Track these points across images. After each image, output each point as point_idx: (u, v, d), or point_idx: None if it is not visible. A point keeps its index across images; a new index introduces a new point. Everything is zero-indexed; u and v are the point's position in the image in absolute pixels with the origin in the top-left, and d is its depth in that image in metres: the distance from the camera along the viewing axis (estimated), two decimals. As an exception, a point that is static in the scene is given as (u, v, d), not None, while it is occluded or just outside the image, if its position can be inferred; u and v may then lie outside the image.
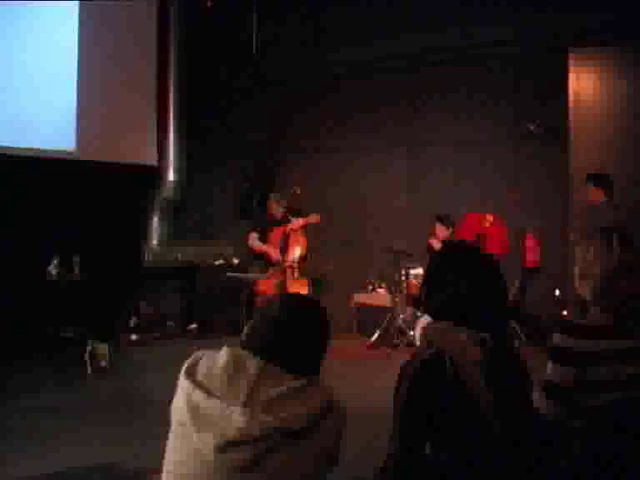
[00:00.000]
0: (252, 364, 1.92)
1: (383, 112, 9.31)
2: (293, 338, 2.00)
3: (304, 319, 2.05)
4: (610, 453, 2.24)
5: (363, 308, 8.84)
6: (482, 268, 2.20)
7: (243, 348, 2.00)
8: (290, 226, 7.88)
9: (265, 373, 1.91)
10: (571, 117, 8.13)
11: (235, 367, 1.92)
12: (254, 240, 7.99)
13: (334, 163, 9.55)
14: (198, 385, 1.90)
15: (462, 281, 2.15)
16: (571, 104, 8.14)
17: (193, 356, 2.03)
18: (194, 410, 1.87)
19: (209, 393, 1.88)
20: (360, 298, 8.96)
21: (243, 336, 2.06)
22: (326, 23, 9.27)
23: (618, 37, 7.80)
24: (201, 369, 1.96)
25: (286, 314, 2.03)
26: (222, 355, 1.96)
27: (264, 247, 7.93)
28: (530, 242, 8.03)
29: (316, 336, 2.07)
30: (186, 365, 2.00)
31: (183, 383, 1.94)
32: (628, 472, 2.22)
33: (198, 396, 1.88)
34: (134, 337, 8.46)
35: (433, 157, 9.17)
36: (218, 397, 1.87)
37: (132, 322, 8.71)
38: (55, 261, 7.93)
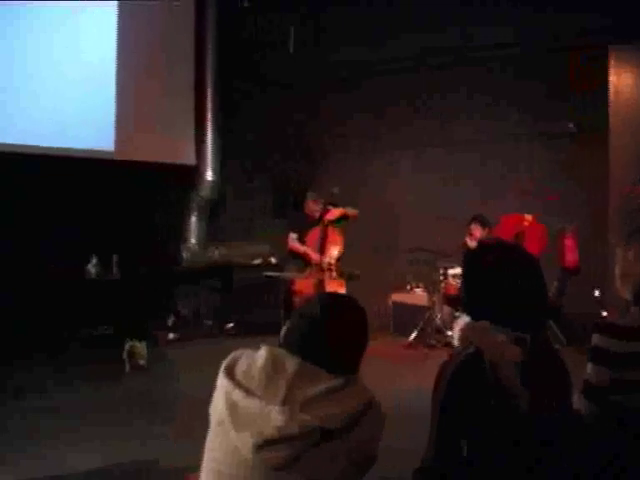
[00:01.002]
0: (291, 363, 1.93)
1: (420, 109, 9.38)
2: (332, 337, 1.99)
3: (343, 318, 2.05)
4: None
5: (400, 308, 8.79)
6: (522, 266, 2.16)
7: (281, 347, 2.00)
8: (327, 216, 7.85)
9: (303, 372, 1.91)
10: (611, 115, 8.04)
11: (274, 366, 1.92)
12: (293, 240, 7.98)
13: (366, 163, 9.61)
14: (237, 384, 1.91)
15: (501, 280, 2.11)
16: (611, 103, 8.04)
17: (232, 355, 2.03)
18: (233, 409, 1.87)
19: (248, 392, 1.88)
20: (397, 297, 8.92)
21: (282, 335, 2.06)
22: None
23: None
24: (240, 368, 1.96)
25: (325, 313, 2.02)
26: (261, 354, 1.97)
27: (303, 248, 7.90)
28: (569, 242, 7.92)
29: (355, 335, 2.06)
30: (225, 364, 2.00)
31: (222, 382, 1.95)
32: None
33: (237, 395, 1.88)
34: (172, 336, 8.48)
35: (465, 158, 9.16)
36: (257, 396, 1.87)
37: (170, 321, 8.76)
38: (94, 260, 8.02)
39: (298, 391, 1.87)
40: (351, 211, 8.00)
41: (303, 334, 2.00)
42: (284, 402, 1.84)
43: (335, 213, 7.90)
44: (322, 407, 1.84)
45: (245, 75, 9.61)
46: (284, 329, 2.07)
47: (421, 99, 9.31)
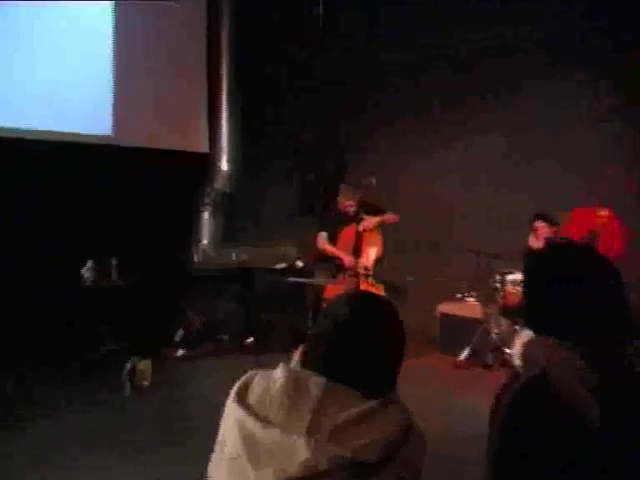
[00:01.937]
0: (314, 384, 1.90)
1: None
2: (362, 348, 1.96)
3: (376, 323, 2.02)
4: None
5: (449, 320, 8.71)
6: (597, 272, 2.08)
7: (303, 365, 1.98)
8: (362, 226, 7.88)
9: (330, 394, 1.88)
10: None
11: (295, 389, 1.89)
12: (324, 242, 8.03)
13: (407, 151, 9.73)
14: (252, 412, 1.88)
15: (571, 287, 2.05)
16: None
17: (244, 377, 2.02)
18: (249, 441, 1.84)
19: (266, 421, 1.85)
20: (445, 308, 8.84)
21: (302, 350, 2.04)
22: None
23: None
24: (254, 393, 1.94)
25: (356, 316, 2.00)
26: (278, 375, 1.95)
27: (336, 251, 7.93)
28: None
29: (390, 345, 2.03)
30: (236, 388, 1.99)
31: (234, 410, 1.93)
32: None
33: (253, 425, 1.85)
34: (181, 352, 8.45)
35: (526, 145, 9.21)
36: (277, 426, 1.84)
37: (179, 335, 8.72)
38: (89, 263, 7.96)
39: (325, 418, 1.83)
40: (390, 217, 8.05)
41: (328, 346, 1.97)
42: (309, 432, 1.81)
43: (371, 223, 7.93)
44: (354, 436, 1.81)
45: (269, 58, 9.76)
46: (306, 342, 2.05)
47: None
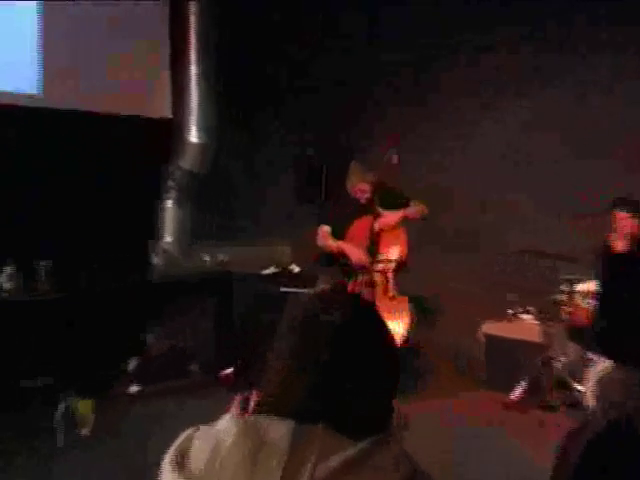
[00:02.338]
0: (280, 431, 1.81)
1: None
2: (353, 370, 1.90)
3: (369, 335, 1.97)
4: None
5: (498, 344, 8.47)
6: None
7: (259, 408, 1.94)
8: (379, 225, 7.85)
9: (304, 440, 1.79)
10: None
11: (254, 442, 1.81)
12: (326, 236, 7.99)
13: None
14: None
15: None
16: None
17: (179, 440, 1.92)
18: None
19: None
20: (492, 329, 8.58)
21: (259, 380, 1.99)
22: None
23: None
24: (198, 458, 1.85)
25: (345, 329, 1.94)
26: (226, 428, 1.87)
27: (340, 245, 7.90)
28: None
29: (387, 362, 1.98)
30: (171, 454, 1.88)
31: None
32: None
33: None
34: (135, 389, 8.20)
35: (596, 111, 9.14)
36: None
37: (132, 365, 8.48)
38: (9, 269, 7.76)
39: (299, 475, 1.76)
40: (415, 210, 7.97)
41: (307, 369, 1.90)
42: None
43: (391, 220, 7.90)
44: None
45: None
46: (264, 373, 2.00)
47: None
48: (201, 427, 1.92)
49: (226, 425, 1.87)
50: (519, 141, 9.64)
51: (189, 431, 1.93)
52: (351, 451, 1.77)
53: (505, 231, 9.20)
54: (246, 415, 1.96)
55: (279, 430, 1.80)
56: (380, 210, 7.92)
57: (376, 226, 7.88)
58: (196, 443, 1.87)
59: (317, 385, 1.85)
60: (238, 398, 2.01)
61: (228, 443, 1.82)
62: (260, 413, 1.89)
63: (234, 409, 2.01)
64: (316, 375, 1.86)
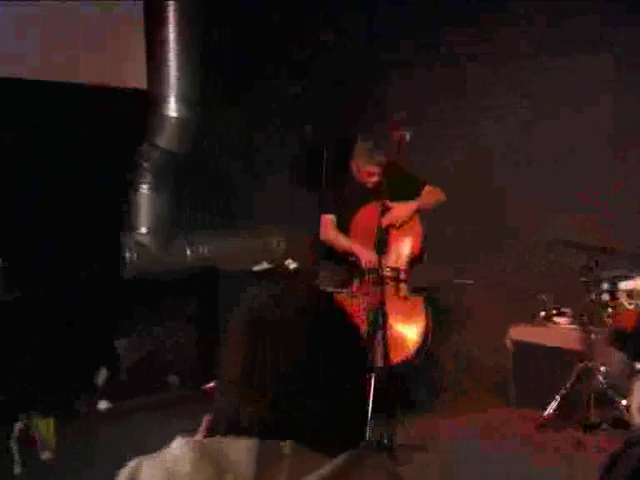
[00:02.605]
0: (242, 452, 1.77)
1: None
2: (303, 375, 1.87)
3: (335, 332, 1.95)
4: None
5: (528, 352, 8.26)
6: None
7: (211, 429, 1.93)
8: (388, 220, 7.60)
9: (270, 461, 1.77)
10: None
11: (213, 467, 1.76)
12: (330, 228, 7.91)
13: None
14: None
15: None
16: None
17: (131, 464, 1.85)
18: None
19: None
20: (522, 334, 8.33)
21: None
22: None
23: None
24: None
25: (313, 326, 1.93)
26: (178, 453, 1.81)
27: (347, 243, 7.81)
28: None
29: (344, 365, 1.94)
30: None
31: None
32: None
33: None
34: (105, 405, 8.14)
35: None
36: None
37: (102, 377, 8.37)
38: None
39: None
40: (432, 197, 7.88)
41: (272, 376, 1.89)
42: None
43: (402, 213, 7.74)
44: None
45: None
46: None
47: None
48: (151, 455, 1.89)
49: (180, 450, 1.81)
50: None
51: (134, 462, 1.86)
52: (326, 469, 1.75)
53: (539, 223, 9.01)
54: (200, 437, 1.91)
55: (241, 450, 1.79)
56: (389, 203, 7.69)
57: (385, 221, 7.60)
58: (146, 472, 1.82)
59: (277, 394, 1.84)
60: (208, 418, 1.95)
61: (185, 471, 1.78)
62: (217, 434, 1.86)
63: (200, 431, 1.95)
64: (274, 383, 1.84)
